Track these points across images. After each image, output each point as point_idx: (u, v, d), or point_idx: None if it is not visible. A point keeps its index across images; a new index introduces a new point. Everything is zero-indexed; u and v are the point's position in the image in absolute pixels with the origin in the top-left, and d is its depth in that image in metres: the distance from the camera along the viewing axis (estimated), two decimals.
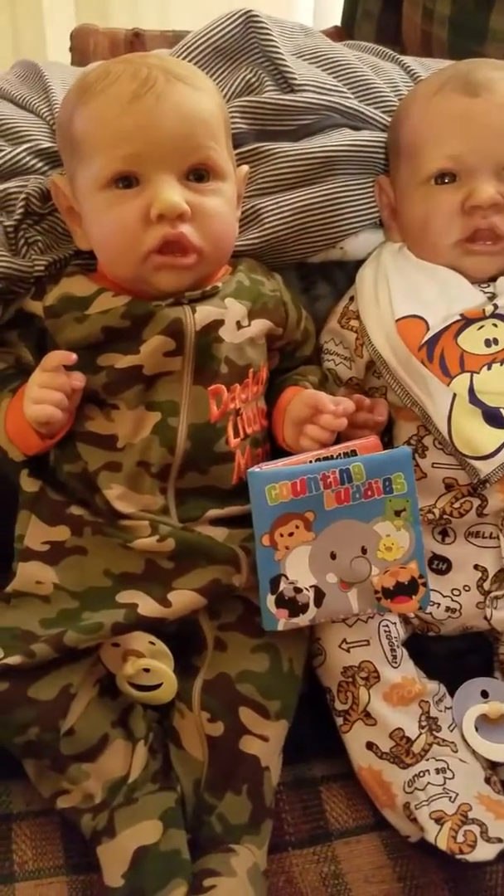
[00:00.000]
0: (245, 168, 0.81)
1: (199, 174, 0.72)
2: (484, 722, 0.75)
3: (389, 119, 0.89)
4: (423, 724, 0.74)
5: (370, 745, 0.73)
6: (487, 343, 0.77)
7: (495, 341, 0.77)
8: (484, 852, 0.66)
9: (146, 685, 0.72)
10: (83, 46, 1.30)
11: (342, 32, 1.45)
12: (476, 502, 0.79)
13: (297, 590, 0.71)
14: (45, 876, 0.67)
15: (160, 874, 0.64)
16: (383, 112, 0.91)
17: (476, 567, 0.80)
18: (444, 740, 0.74)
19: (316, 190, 0.86)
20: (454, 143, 0.78)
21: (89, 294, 0.73)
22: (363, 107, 0.91)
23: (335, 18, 1.55)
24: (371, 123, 0.90)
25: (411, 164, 0.82)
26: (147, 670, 0.71)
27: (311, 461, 0.73)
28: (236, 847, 0.67)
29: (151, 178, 0.69)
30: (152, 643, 0.71)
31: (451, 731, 0.75)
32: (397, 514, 0.72)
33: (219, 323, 0.73)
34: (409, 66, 0.99)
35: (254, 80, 0.88)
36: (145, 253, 0.70)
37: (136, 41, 1.30)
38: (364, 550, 0.72)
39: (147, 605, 0.70)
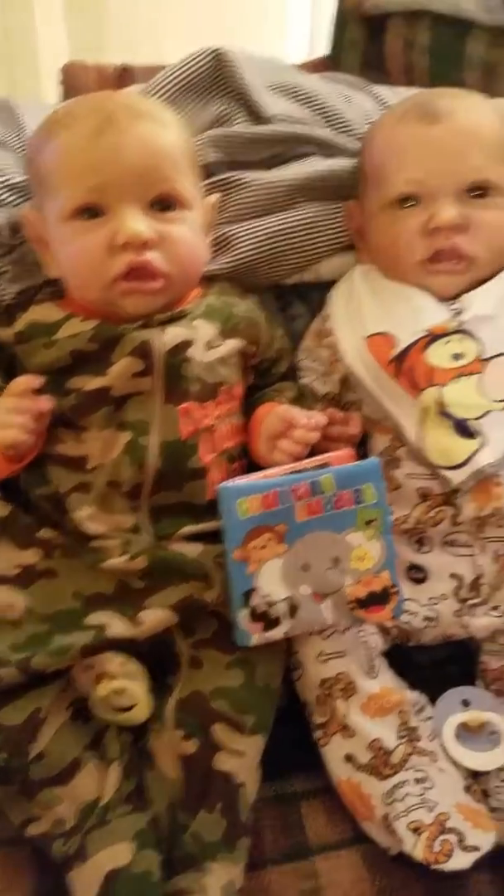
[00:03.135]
0: (214, 197, 0.84)
1: (163, 204, 0.74)
2: (464, 731, 0.75)
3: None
4: (402, 734, 0.73)
5: (349, 758, 0.73)
6: (455, 357, 0.79)
7: (462, 355, 0.78)
8: (460, 861, 0.65)
9: (120, 706, 0.71)
10: (73, 82, 1.34)
11: (328, 63, 1.49)
12: (450, 511, 0.79)
13: (270, 603, 0.72)
14: None
15: None
16: (356, 139, 0.93)
17: (452, 576, 0.80)
18: (423, 750, 0.73)
19: (289, 216, 0.89)
20: (415, 167, 0.81)
21: (57, 320, 0.75)
22: (334, 135, 0.94)
23: (327, 47, 1.58)
24: (342, 151, 0.93)
25: (377, 189, 0.84)
26: (121, 691, 0.71)
27: (283, 475, 0.74)
28: (210, 865, 0.66)
29: (116, 209, 0.72)
30: (124, 663, 0.71)
31: (431, 740, 0.74)
32: (368, 524, 0.73)
33: (187, 343, 0.75)
34: (379, 96, 1.02)
35: (225, 113, 0.92)
36: (112, 279, 0.72)
37: (125, 75, 1.34)
38: (337, 561, 0.73)
39: (116, 626, 0.70)
